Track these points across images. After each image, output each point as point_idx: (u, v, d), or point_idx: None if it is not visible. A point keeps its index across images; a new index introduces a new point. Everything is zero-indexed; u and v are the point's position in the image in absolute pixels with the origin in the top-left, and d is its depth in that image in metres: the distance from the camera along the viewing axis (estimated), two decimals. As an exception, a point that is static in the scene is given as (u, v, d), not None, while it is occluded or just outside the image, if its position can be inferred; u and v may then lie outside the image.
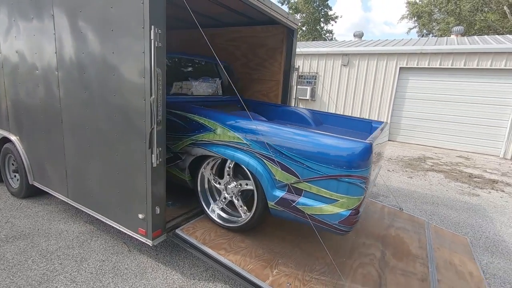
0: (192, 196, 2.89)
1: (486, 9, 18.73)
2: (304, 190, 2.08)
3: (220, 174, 2.71)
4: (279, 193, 2.18)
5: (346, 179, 1.91)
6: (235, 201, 2.59)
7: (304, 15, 27.23)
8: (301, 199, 2.10)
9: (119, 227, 2.54)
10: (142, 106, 2.11)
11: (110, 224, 2.60)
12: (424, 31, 25.24)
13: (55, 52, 2.63)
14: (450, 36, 12.03)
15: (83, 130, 2.58)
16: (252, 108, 4.11)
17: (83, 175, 2.71)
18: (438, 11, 23.04)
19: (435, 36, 23.56)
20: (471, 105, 8.59)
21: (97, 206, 2.69)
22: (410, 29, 34.90)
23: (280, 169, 2.15)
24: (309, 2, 26.38)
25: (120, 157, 2.36)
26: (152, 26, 1.94)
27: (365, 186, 1.94)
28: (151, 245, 2.35)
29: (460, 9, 19.08)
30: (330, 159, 1.94)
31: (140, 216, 2.33)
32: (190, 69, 3.70)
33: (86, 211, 2.79)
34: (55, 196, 3.10)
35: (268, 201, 2.25)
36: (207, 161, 2.63)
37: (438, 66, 8.74)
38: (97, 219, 3.15)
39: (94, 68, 2.36)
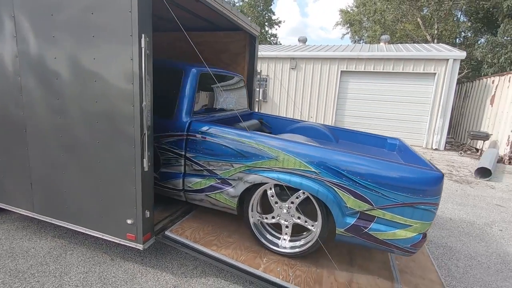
0: (171, 199, 2.94)
1: (404, 20, 21.65)
2: (377, 217, 2.15)
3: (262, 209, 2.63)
4: (350, 220, 2.21)
5: (422, 206, 2.03)
6: (299, 221, 2.48)
7: (249, 18, 27.89)
8: (374, 225, 2.17)
9: (103, 235, 2.48)
10: (131, 112, 2.14)
11: (91, 234, 2.52)
12: (356, 37, 28.02)
13: (16, 56, 2.45)
14: (379, 43, 13.67)
15: (55, 139, 2.46)
16: (268, 123, 4.07)
17: (55, 187, 2.57)
18: (366, 20, 25.84)
19: (366, 42, 26.39)
20: (399, 104, 9.97)
21: (73, 217, 2.58)
22: (344, 34, 38.27)
23: (352, 197, 2.17)
24: (254, 6, 27.17)
25: (103, 164, 2.33)
26: (143, 35, 2.00)
27: (435, 211, 2.08)
28: (141, 249, 2.36)
29: (385, 19, 21.70)
30: (407, 188, 2.04)
31: (129, 221, 2.33)
32: (223, 84, 3.54)
33: (59, 224, 2.64)
34: (9, 214, 2.84)
35: (337, 228, 2.25)
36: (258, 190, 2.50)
37: (372, 70, 9.94)
38: (68, 232, 2.99)
39: (70, 74, 2.28)
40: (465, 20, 21.39)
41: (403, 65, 9.57)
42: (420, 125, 9.86)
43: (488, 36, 16.33)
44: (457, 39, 22.54)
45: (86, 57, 2.19)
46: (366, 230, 2.18)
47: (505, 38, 14.70)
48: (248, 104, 4.41)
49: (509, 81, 8.17)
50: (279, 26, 31.97)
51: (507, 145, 7.90)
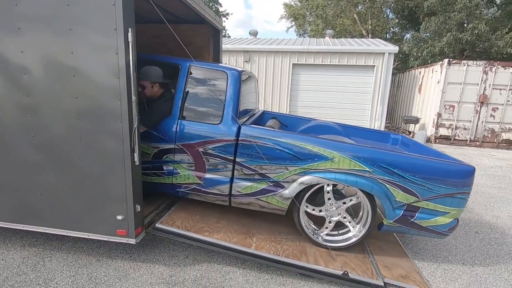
0: (153, 193, 2.95)
1: (343, 15, 23.33)
2: (422, 207, 2.49)
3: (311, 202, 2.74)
4: (399, 212, 2.51)
5: (459, 196, 2.45)
6: (343, 220, 2.72)
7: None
8: (419, 215, 2.51)
9: (88, 235, 2.41)
10: (117, 107, 2.12)
11: (73, 235, 2.43)
12: (301, 31, 29.28)
13: (-32, 49, 2.20)
14: (325, 38, 14.60)
15: (25, 139, 2.29)
16: (282, 122, 4.04)
17: (27, 190, 2.40)
18: (309, 14, 27.18)
19: (309, 36, 27.77)
20: (345, 94, 10.90)
21: (51, 221, 2.44)
22: (288, 28, 39.68)
23: (401, 192, 2.46)
24: (199, -3, 26.47)
25: (86, 161, 2.26)
26: (130, 29, 1.99)
27: (468, 199, 2.50)
28: (134, 243, 2.37)
29: (326, 14, 23.09)
30: (448, 180, 2.42)
31: (119, 217, 2.31)
32: (248, 84, 3.44)
33: (34, 230, 2.48)
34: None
35: (386, 220, 2.55)
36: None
37: (320, 62, 10.65)
38: (39, 239, 2.82)
39: (42, 69, 2.15)
40: (393, 17, 23.92)
41: (347, 58, 10.45)
42: (364, 112, 10.93)
43: (413, 32, 18.59)
44: (387, 34, 25.10)
45: (62, 51, 2.09)
46: (412, 220, 2.51)
47: (426, 34, 16.92)
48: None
49: (432, 72, 9.54)
50: (227, 19, 31.75)
51: (433, 127, 9.27)
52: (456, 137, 9.15)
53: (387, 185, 2.46)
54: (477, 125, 9.00)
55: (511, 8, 15.61)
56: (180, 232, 2.49)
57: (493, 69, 8.56)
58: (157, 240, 2.90)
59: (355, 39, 13.95)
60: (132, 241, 2.36)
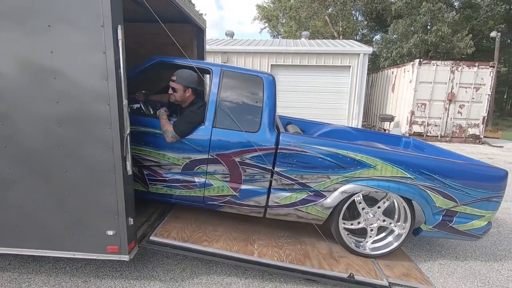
0: (141, 202, 2.74)
1: (315, 17, 23.86)
2: (459, 212, 2.52)
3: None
4: (438, 217, 2.52)
5: (494, 199, 2.50)
6: (384, 224, 2.65)
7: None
8: (456, 219, 2.53)
9: (74, 255, 2.17)
10: (106, 112, 1.92)
11: (55, 255, 2.19)
12: (275, 32, 29.54)
13: None
14: (301, 39, 14.79)
15: (-4, 150, 2.01)
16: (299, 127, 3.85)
17: (-1, 208, 2.11)
18: (282, 16, 27.50)
19: (283, 37, 28.11)
20: (323, 94, 11.10)
21: (29, 241, 2.17)
22: (262, 29, 39.83)
23: (441, 197, 2.47)
24: (171, -3, 25.81)
25: (70, 173, 2.03)
26: (119, 26, 1.81)
27: (501, 202, 2.55)
28: (127, 259, 2.17)
29: (300, 16, 23.48)
30: (485, 185, 2.47)
31: (110, 232, 2.10)
32: None
33: (7, 252, 2.20)
34: None
35: (426, 225, 2.55)
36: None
37: (298, 63, 10.76)
38: (13, 262, 2.51)
39: (15, 70, 1.90)
40: (362, 19, 24.88)
41: (324, 59, 10.65)
42: (341, 111, 11.19)
43: (382, 34, 19.41)
44: (357, 36, 26.05)
45: (40, 50, 1.86)
46: (450, 224, 2.54)
47: (394, 36, 17.76)
48: None
49: (404, 71, 9.99)
50: (201, 19, 31.20)
51: (407, 124, 9.70)
52: (428, 133, 9.64)
53: (428, 191, 2.47)
54: (446, 121, 9.55)
55: (468, 12, 16.83)
56: (178, 244, 2.33)
57: (459, 69, 9.12)
58: (149, 254, 2.69)
59: (330, 40, 14.29)
60: (125, 257, 2.15)
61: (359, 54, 10.40)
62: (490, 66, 9.03)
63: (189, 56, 4.45)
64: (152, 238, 2.34)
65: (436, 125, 9.58)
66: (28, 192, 2.08)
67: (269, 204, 2.57)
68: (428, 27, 16.68)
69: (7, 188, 2.08)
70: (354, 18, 25.02)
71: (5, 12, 1.82)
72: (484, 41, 18.66)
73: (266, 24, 29.82)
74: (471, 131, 9.51)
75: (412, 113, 9.52)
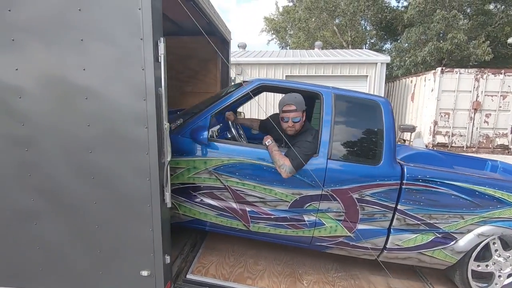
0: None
1: (324, 27, 23.82)
2: None
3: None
4: None
5: None
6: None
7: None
8: None
9: (103, 298, 1.91)
10: (144, 135, 1.69)
11: (83, 299, 1.91)
12: (283, 43, 29.66)
13: None
14: (314, 49, 14.67)
15: (19, 178, 1.79)
16: None
17: (19, 244, 1.88)
18: (290, 27, 27.60)
19: (291, 48, 28.13)
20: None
21: (51, 282, 1.92)
22: (269, 40, 40.17)
23: None
24: (180, 11, 26.28)
25: (102, 205, 1.79)
26: (161, 38, 1.59)
27: None
28: (164, 304, 1.89)
29: (309, 27, 23.50)
30: None
31: (144, 273, 1.83)
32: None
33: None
34: None
35: None
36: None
37: (313, 74, 10.54)
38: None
39: (43, 90, 1.70)
40: (371, 28, 24.74)
41: (340, 68, 10.41)
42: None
43: (394, 43, 19.18)
44: (366, 45, 25.89)
45: (71, 68, 1.65)
46: None
47: (407, 44, 17.49)
48: None
49: (425, 80, 9.65)
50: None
51: (430, 135, 9.29)
52: (453, 144, 9.20)
53: None
54: (472, 131, 9.11)
55: (482, 19, 16.52)
56: (218, 284, 2.04)
57: (484, 76, 8.75)
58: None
59: (345, 49, 14.11)
60: (161, 301, 1.88)
61: (376, 63, 10.13)
62: (517, 73, 8.65)
63: (212, 70, 4.30)
64: (189, 276, 2.06)
65: (461, 135, 9.15)
66: (53, 226, 1.84)
67: (387, 246, 2.27)
68: (441, 35, 16.39)
69: (30, 221, 1.84)
70: (363, 27, 24.90)
71: (32, 26, 1.63)
72: (499, 47, 18.22)
73: (274, 36, 29.95)
74: (499, 141, 9.04)
75: (435, 123, 9.12)
